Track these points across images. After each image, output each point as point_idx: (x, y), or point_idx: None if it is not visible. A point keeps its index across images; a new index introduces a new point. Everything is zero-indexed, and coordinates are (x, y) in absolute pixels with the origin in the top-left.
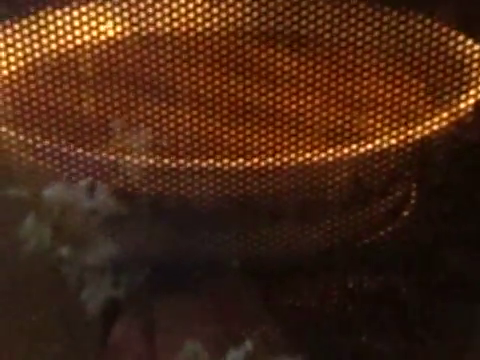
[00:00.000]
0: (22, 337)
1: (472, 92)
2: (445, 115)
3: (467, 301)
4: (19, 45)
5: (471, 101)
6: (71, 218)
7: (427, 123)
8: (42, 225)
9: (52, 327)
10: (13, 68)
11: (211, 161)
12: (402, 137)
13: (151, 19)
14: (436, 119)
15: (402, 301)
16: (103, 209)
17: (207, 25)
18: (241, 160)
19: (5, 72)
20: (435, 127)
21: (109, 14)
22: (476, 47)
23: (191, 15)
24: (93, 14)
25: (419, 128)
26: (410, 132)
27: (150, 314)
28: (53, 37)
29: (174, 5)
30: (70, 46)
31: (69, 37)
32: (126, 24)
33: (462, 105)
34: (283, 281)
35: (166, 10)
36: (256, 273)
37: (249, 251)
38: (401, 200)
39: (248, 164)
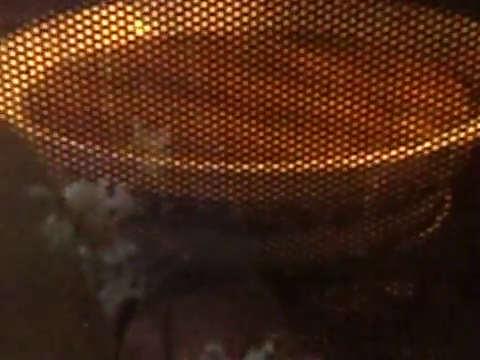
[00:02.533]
0: (39, 335)
1: None
2: None
3: None
4: (44, 46)
5: None
6: (91, 217)
7: (467, 129)
8: (63, 224)
9: (70, 325)
10: (38, 68)
11: (241, 164)
12: (440, 142)
13: (180, 19)
14: (478, 125)
15: (436, 309)
16: (123, 209)
17: (237, 25)
18: (273, 165)
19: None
20: (476, 133)
21: (136, 14)
22: None
23: (220, 15)
24: (118, 15)
25: (459, 134)
26: (449, 137)
27: (168, 315)
28: (77, 39)
29: (203, 5)
30: (95, 47)
31: (91, 40)
32: (154, 25)
33: None
34: (313, 286)
35: (195, 10)
36: (284, 278)
37: (280, 256)
38: (436, 207)
39: (281, 169)
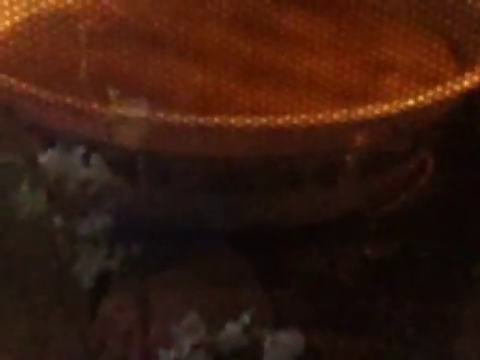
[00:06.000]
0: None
1: None
2: (470, 78)
3: None
4: None
5: None
6: (66, 187)
7: (449, 86)
8: (37, 192)
9: (44, 295)
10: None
11: (220, 118)
12: (422, 99)
13: None
14: (459, 82)
15: (419, 268)
16: (98, 178)
17: None
18: (253, 118)
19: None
20: (457, 90)
21: None
22: None
23: None
24: None
25: (440, 90)
26: (431, 94)
27: (144, 286)
28: None
29: None
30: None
31: None
32: None
33: None
34: (295, 247)
35: None
36: (263, 240)
37: (258, 217)
38: (419, 167)
39: (260, 122)
